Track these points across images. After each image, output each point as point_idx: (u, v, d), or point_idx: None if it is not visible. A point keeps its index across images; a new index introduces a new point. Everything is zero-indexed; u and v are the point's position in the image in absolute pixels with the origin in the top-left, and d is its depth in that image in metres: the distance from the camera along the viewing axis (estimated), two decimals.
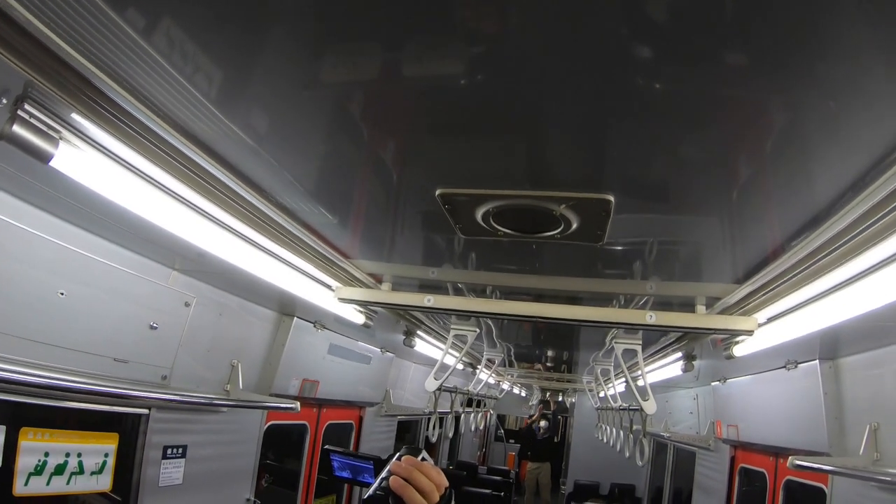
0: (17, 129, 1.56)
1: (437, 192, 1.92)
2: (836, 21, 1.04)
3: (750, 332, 2.83)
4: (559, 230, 2.07)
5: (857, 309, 2.37)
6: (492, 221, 2.06)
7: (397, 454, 1.50)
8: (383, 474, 1.42)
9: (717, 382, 6.61)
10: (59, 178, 1.93)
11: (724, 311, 2.90)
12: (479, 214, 2.02)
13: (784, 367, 4.58)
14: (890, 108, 1.26)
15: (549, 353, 7.58)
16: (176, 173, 2.01)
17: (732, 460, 6.77)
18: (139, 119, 1.68)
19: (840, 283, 2.30)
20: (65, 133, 1.67)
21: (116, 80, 1.50)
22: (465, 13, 1.14)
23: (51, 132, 1.64)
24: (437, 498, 1.38)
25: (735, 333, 2.97)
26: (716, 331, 2.88)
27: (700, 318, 2.85)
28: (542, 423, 16.05)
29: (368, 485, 1.55)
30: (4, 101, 1.55)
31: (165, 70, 1.43)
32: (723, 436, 6.77)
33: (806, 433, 4.42)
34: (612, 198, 1.82)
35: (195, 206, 2.26)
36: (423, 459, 1.50)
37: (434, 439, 6.32)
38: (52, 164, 1.69)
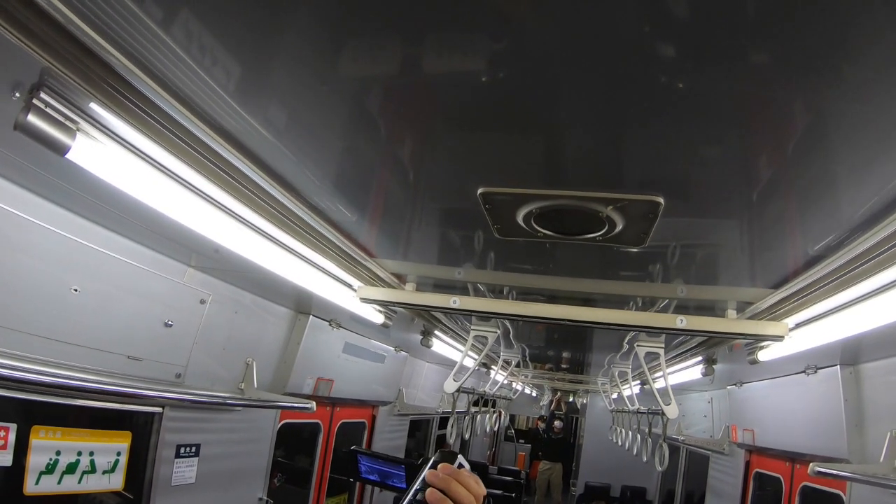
0: (32, 118, 1.52)
1: (479, 191, 1.87)
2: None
3: (780, 338, 2.80)
4: (602, 232, 2.02)
5: (885, 318, 2.36)
6: (533, 223, 2.01)
7: (432, 460, 1.38)
8: (417, 485, 1.30)
9: (733, 386, 6.67)
10: (74, 171, 1.90)
11: (754, 317, 2.88)
12: (520, 215, 1.97)
13: (804, 371, 4.62)
14: None
15: (563, 354, 7.62)
16: (194, 163, 1.95)
17: (747, 465, 6.83)
18: (157, 105, 1.63)
19: (871, 292, 2.28)
20: (83, 124, 1.63)
21: (138, 65, 1.46)
22: (496, 5, 1.11)
23: (68, 122, 1.60)
24: None
25: (766, 339, 2.93)
26: (747, 336, 2.85)
27: (731, 323, 2.83)
28: (557, 424, 16.20)
29: (398, 489, 1.42)
30: (18, 91, 1.52)
31: (182, 58, 1.39)
32: (738, 440, 6.83)
33: (825, 439, 4.47)
34: (661, 200, 1.78)
35: (213, 199, 2.21)
36: (461, 466, 1.37)
37: (452, 440, 6.31)
38: (68, 156, 1.65)
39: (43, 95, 1.52)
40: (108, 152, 1.76)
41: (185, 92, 1.55)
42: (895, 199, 1.63)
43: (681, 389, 8.57)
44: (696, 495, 9.41)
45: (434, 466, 1.32)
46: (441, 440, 9.89)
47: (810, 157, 1.50)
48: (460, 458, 1.40)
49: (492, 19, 1.15)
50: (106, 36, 1.34)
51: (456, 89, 1.42)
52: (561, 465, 15.96)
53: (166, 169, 1.95)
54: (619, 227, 1.97)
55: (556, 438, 16.16)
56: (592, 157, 1.67)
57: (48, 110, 1.54)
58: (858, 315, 2.50)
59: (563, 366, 8.86)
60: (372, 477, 1.46)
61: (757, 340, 3.21)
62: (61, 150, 1.62)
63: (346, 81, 1.45)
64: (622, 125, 1.48)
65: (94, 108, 1.60)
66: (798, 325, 2.86)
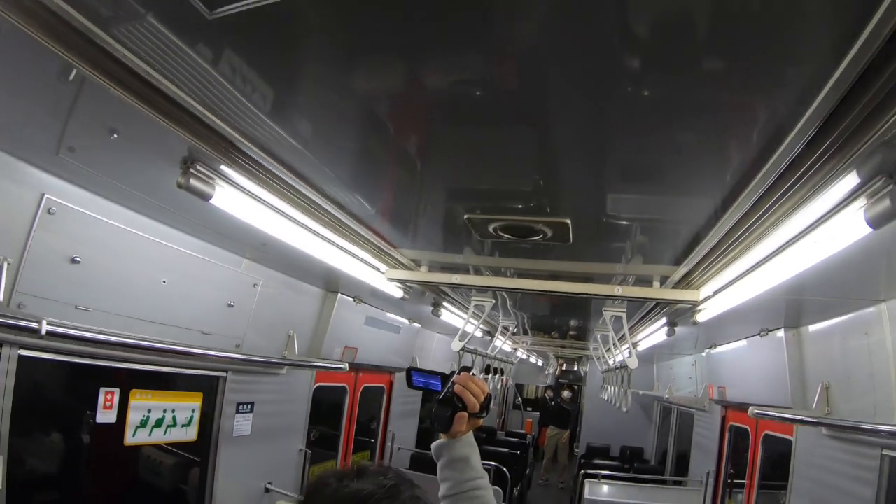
0: (193, 182, 2.17)
1: (466, 216, 2.75)
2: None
3: (695, 303, 3.46)
4: (541, 237, 2.89)
5: (778, 279, 2.81)
6: (499, 231, 2.88)
7: (457, 371, 2.06)
8: (449, 385, 1.90)
9: (709, 349, 7.03)
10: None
11: (675, 287, 3.53)
12: (490, 227, 2.83)
13: (758, 334, 5.12)
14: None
15: (561, 322, 8.07)
16: (258, 181, 2.44)
17: (723, 419, 7.31)
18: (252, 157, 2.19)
19: (767, 256, 2.67)
20: (217, 180, 2.29)
21: (244, 135, 2.00)
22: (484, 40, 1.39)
23: (209, 180, 2.25)
24: (482, 398, 1.86)
25: (683, 303, 3.59)
26: (667, 301, 3.53)
27: (654, 291, 3.51)
28: (566, 394, 16.98)
29: (438, 391, 2.25)
30: (179, 162, 2.16)
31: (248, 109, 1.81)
32: (714, 397, 7.22)
33: (775, 392, 4.90)
34: (569, 221, 2.61)
35: (265, 201, 2.69)
36: (473, 374, 2.02)
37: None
38: (211, 202, 2.31)
39: (197, 165, 2.17)
40: (225, 193, 2.39)
41: (264, 141, 2.06)
42: (744, 186, 2.00)
43: (671, 354, 9.12)
44: (687, 453, 9.39)
45: (458, 374, 1.94)
46: None
47: (690, 144, 1.83)
48: (474, 371, 2.18)
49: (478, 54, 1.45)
50: (224, 119, 1.89)
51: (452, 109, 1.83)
52: (568, 431, 16.41)
53: (245, 189, 2.50)
54: (550, 234, 2.81)
55: (566, 407, 16.80)
56: (531, 197, 2.45)
57: (197, 173, 2.19)
58: (757, 280, 2.98)
59: (567, 333, 9.32)
60: (420, 384, 2.22)
61: (689, 305, 3.79)
62: (207, 198, 2.27)
63: (357, 106, 1.84)
64: (535, 174, 2.19)
65: (223, 168, 2.24)
66: (716, 292, 3.39)
